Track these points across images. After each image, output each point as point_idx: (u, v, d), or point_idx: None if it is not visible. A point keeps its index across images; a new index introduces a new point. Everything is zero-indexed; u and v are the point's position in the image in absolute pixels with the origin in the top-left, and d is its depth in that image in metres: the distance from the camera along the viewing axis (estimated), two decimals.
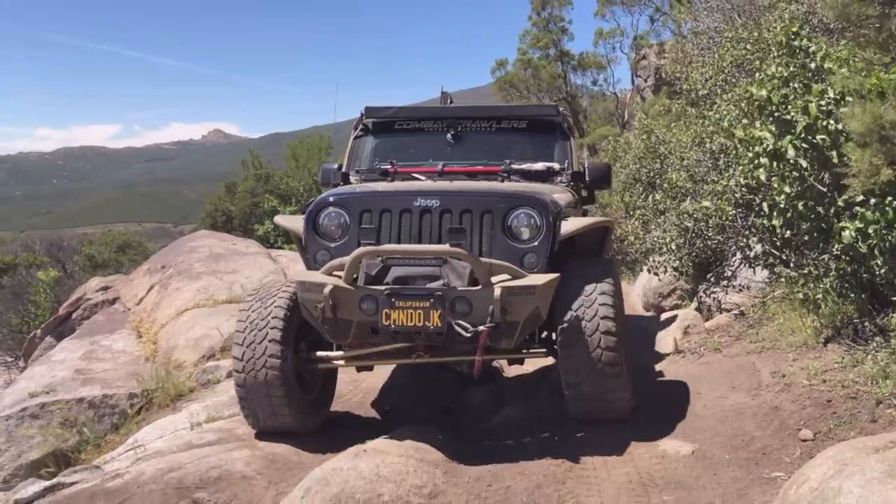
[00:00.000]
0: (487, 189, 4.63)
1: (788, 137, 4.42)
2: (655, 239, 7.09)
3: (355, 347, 4.66)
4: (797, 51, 4.60)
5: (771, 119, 4.52)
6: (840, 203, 4.49)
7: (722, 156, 6.41)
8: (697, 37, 8.73)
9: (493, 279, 4.10)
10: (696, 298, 7.20)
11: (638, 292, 10.43)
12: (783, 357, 5.03)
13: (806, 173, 4.59)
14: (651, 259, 7.27)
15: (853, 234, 4.22)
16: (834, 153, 4.35)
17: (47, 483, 4.46)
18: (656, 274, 7.31)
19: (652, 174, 7.70)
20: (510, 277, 4.13)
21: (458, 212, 4.36)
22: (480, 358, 4.15)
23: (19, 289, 14.99)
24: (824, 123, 4.19)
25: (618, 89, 20.58)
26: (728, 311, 6.54)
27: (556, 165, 5.54)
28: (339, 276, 4.25)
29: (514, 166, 5.40)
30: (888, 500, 2.61)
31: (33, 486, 4.43)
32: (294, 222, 5.01)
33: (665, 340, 6.20)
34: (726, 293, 6.81)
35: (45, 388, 7.68)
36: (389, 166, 5.53)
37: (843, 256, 4.69)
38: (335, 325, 4.25)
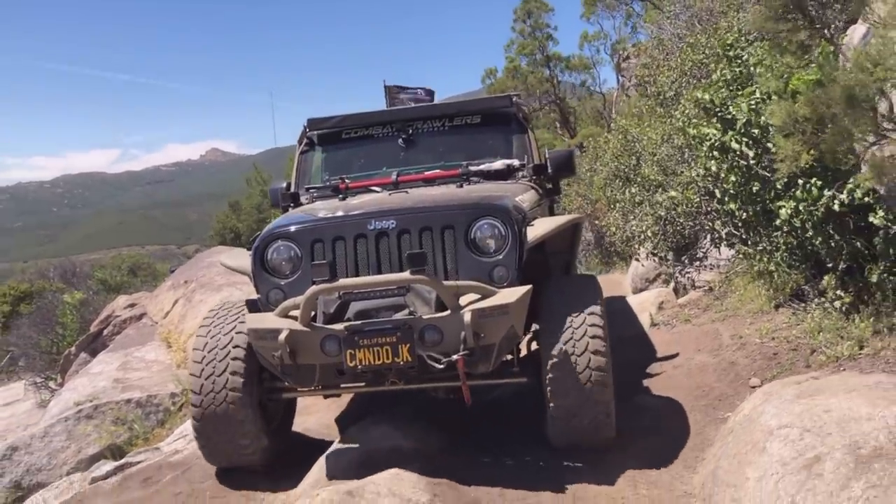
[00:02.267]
0: (445, 201, 4.21)
1: (730, 133, 5.20)
2: (633, 228, 7.86)
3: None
4: (732, 59, 5.38)
5: (716, 118, 5.30)
6: (778, 186, 5.25)
7: (686, 150, 7.17)
8: (662, 43, 9.54)
9: (463, 300, 3.83)
10: (672, 278, 7.98)
11: (628, 279, 11.22)
12: (742, 322, 5.81)
13: (750, 162, 5.35)
14: (631, 246, 8.05)
15: (788, 211, 4.99)
16: (770, 144, 5.12)
17: (118, 462, 5.23)
18: (638, 261, 8.07)
19: (628, 170, 8.48)
20: (480, 297, 3.84)
21: (417, 231, 4.01)
22: (467, 386, 3.82)
23: (47, 312, 15.77)
24: (757, 119, 4.96)
25: (604, 89, 21.52)
26: (699, 287, 7.32)
27: (516, 161, 5.25)
28: (296, 317, 3.89)
29: (472, 167, 5.10)
30: (792, 412, 3.36)
31: (106, 466, 5.20)
32: (240, 260, 4.59)
33: (642, 315, 6.97)
34: (699, 272, 7.57)
35: (88, 397, 8.46)
36: (340, 182, 5.21)
37: (788, 232, 5.45)
38: (297, 372, 3.93)
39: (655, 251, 7.80)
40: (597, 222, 12.38)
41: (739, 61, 5.36)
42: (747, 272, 6.33)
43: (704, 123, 5.42)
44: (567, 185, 16.49)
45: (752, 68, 5.25)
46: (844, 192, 4.70)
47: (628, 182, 8.20)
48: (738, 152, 5.36)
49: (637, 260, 9.05)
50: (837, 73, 3.90)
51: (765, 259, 5.94)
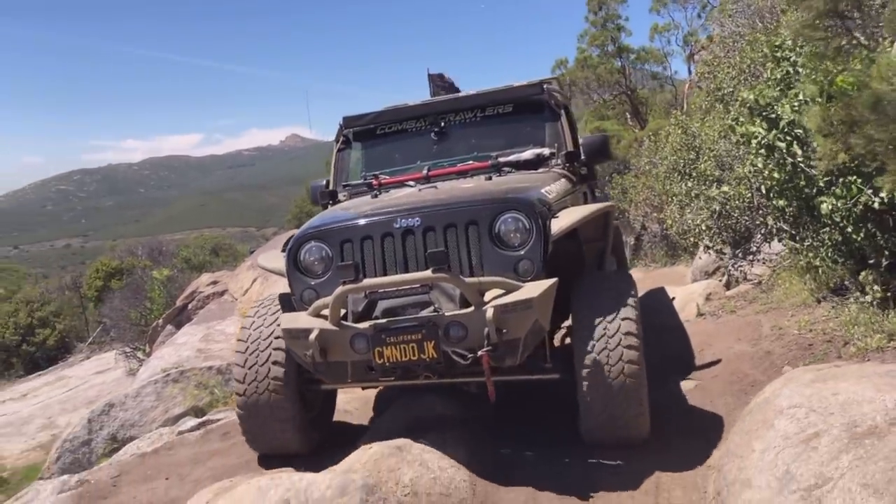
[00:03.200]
0: (469, 197, 4.24)
1: (774, 132, 5.44)
2: (689, 221, 8.09)
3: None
4: (780, 60, 5.58)
5: (761, 117, 5.53)
6: (821, 183, 5.46)
7: (742, 146, 7.36)
8: (723, 40, 9.63)
9: (488, 296, 3.89)
10: (725, 271, 8.19)
11: (690, 272, 11.40)
12: (783, 314, 6.03)
13: (796, 159, 5.58)
14: (686, 239, 8.28)
15: (829, 207, 5.21)
16: (813, 142, 5.33)
17: (200, 419, 5.87)
18: (697, 254, 8.29)
19: (686, 164, 8.68)
20: (504, 292, 3.88)
21: (442, 228, 4.05)
22: (491, 381, 3.86)
23: (136, 287, 16.89)
24: (800, 119, 5.19)
25: (676, 80, 21.36)
26: (749, 280, 7.52)
27: (546, 150, 5.24)
28: (326, 317, 4.04)
29: (502, 159, 5.16)
30: (803, 394, 3.66)
31: (190, 422, 5.85)
32: (276, 262, 4.66)
33: (690, 306, 7.23)
34: (751, 266, 7.76)
35: (174, 364, 9.25)
36: (374, 180, 5.34)
37: (832, 228, 5.65)
38: (328, 369, 4.11)
39: (711, 244, 8.02)
40: (658, 215, 12.55)
41: (787, 62, 5.57)
42: (794, 266, 6.52)
43: (752, 122, 5.65)
44: (635, 178, 16.63)
45: (799, 69, 5.46)
46: (884, 191, 4.90)
47: (686, 176, 8.41)
48: (783, 150, 5.60)
49: (698, 253, 9.27)
50: (868, 80, 4.13)
51: (810, 254, 6.14)
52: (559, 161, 5.24)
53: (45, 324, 25.62)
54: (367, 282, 3.95)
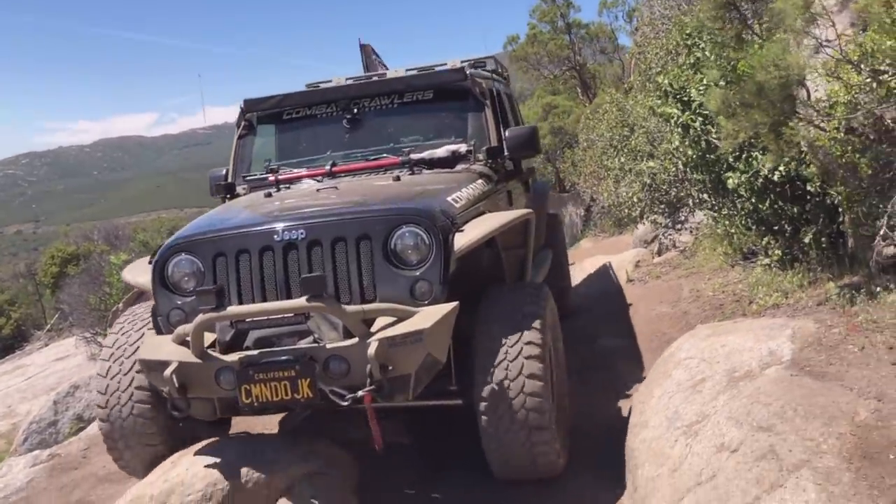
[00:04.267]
0: (362, 207, 3.81)
1: (687, 113, 5.95)
2: (623, 194, 8.63)
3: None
4: (692, 46, 6.09)
5: (675, 99, 6.04)
6: (730, 159, 6.00)
7: (665, 124, 7.89)
8: (653, 21, 10.16)
9: (376, 325, 3.42)
10: (656, 240, 8.77)
11: (629, 240, 12.02)
12: (702, 278, 6.60)
13: (708, 137, 6.10)
14: (621, 211, 8.83)
15: (735, 181, 5.74)
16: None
17: None
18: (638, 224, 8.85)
19: (621, 140, 9.22)
20: (395, 320, 3.42)
21: (329, 242, 3.56)
22: (376, 426, 3.39)
23: (95, 273, 16.99)
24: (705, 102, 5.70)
25: (623, 55, 21.85)
26: (677, 248, 8.11)
27: (463, 147, 4.77)
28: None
29: (415, 155, 4.71)
30: (698, 346, 4.19)
31: None
32: (142, 275, 4.01)
33: (620, 273, 7.78)
34: (679, 234, 8.35)
35: None
36: (272, 174, 4.89)
37: (739, 199, 6.21)
38: (191, 406, 3.54)
39: (642, 215, 8.57)
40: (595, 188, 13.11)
41: (697, 48, 6.07)
42: (713, 234, 7.09)
43: (667, 104, 6.15)
44: (583, 151, 17.19)
45: (708, 55, 5.97)
46: (781, 165, 5.45)
47: (620, 151, 8.93)
48: (697, 129, 6.12)
49: (638, 223, 9.83)
50: (753, 70, 4.64)
51: (726, 222, 6.70)
52: (481, 157, 4.80)
53: (1, 313, 25.47)
54: (230, 310, 3.38)
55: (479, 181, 4.58)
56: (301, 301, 3.32)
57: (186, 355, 3.45)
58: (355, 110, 5.09)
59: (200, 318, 3.37)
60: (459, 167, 4.73)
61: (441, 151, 4.76)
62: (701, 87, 5.68)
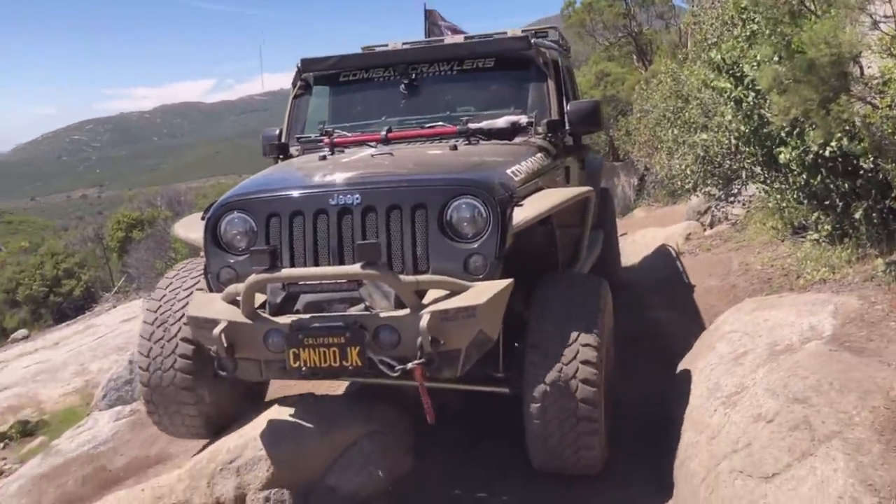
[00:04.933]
0: (419, 175, 3.74)
1: (739, 87, 5.99)
2: (676, 166, 8.67)
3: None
4: (746, 21, 6.09)
5: (727, 74, 6.08)
6: (783, 134, 6.04)
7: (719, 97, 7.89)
8: None
9: (427, 297, 3.34)
10: (709, 212, 8.81)
11: (683, 210, 12.02)
12: (751, 252, 6.67)
13: (760, 111, 6.14)
14: (673, 183, 8.88)
15: (787, 156, 5.79)
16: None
17: None
18: (678, 196, 8.89)
19: (676, 112, 9.21)
20: (447, 294, 3.33)
21: (384, 209, 3.47)
22: (427, 400, 3.41)
23: (160, 238, 17.69)
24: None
25: (680, 22, 21.41)
26: (729, 221, 8.15)
27: (523, 118, 4.58)
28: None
29: (473, 125, 4.51)
30: (741, 320, 4.33)
31: None
32: (195, 231, 3.92)
33: (670, 245, 7.87)
34: (732, 207, 8.37)
35: None
36: (327, 137, 4.71)
37: (791, 174, 6.25)
38: (237, 367, 3.49)
39: (695, 188, 8.61)
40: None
41: (753, 22, 6.07)
42: (765, 208, 7.13)
43: (720, 78, 6.20)
44: (637, 120, 17.07)
45: (763, 29, 5.98)
46: (833, 141, 5.48)
47: (673, 123, 8.95)
48: (749, 103, 6.16)
49: (693, 194, 9.87)
50: (805, 47, 4.68)
51: (777, 196, 6.75)
52: (541, 130, 4.61)
53: (71, 275, 26.49)
54: (284, 272, 3.37)
55: (539, 155, 4.38)
56: (355, 268, 3.24)
57: (236, 315, 3.40)
58: (413, 76, 4.91)
59: (252, 278, 3.33)
60: (518, 139, 4.53)
61: (500, 122, 4.56)
62: (754, 63, 5.71)
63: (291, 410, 4.07)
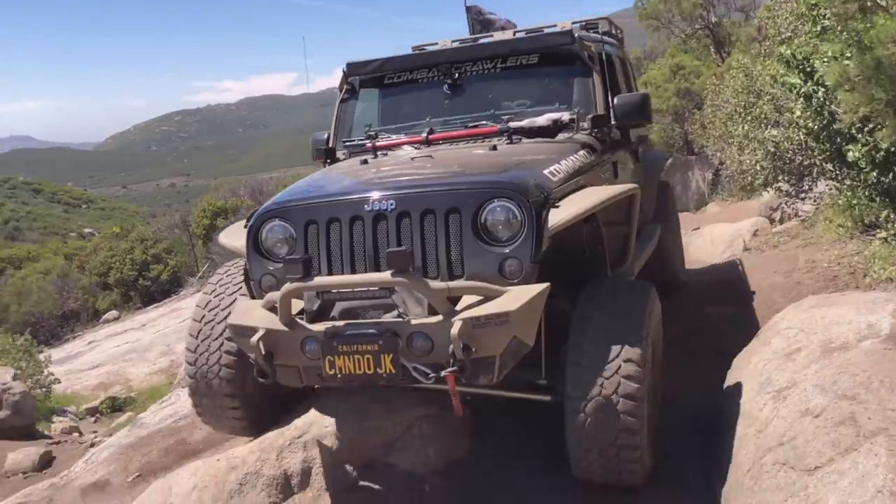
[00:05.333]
0: (453, 179, 3.69)
1: (809, 83, 5.93)
2: (746, 162, 8.56)
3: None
4: (816, 17, 6.01)
5: (797, 70, 6.02)
6: (853, 131, 5.95)
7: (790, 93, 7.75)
8: None
9: (462, 303, 3.30)
10: (779, 208, 8.67)
11: (756, 206, 11.84)
12: (819, 249, 6.59)
13: (830, 108, 6.06)
14: (744, 179, 8.76)
15: (856, 154, 5.72)
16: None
17: None
18: (750, 192, 8.79)
19: (747, 106, 9.06)
20: (481, 299, 3.28)
21: (419, 214, 3.43)
22: (457, 399, 3.37)
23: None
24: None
25: (756, 16, 20.80)
26: (798, 217, 8.02)
27: (566, 115, 4.50)
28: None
29: (514, 124, 4.48)
30: (799, 317, 4.34)
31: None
32: (238, 238, 3.97)
33: (737, 241, 7.82)
34: (803, 203, 8.23)
35: None
36: (370, 141, 4.79)
37: (861, 171, 6.15)
38: (277, 373, 3.55)
39: (766, 184, 8.49)
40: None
41: (824, 18, 6.00)
42: (835, 204, 7.01)
43: (790, 74, 6.14)
44: (712, 114, 16.78)
45: (835, 25, 5.90)
46: (883, 144, 5.39)
47: (744, 118, 8.82)
48: (820, 99, 6.09)
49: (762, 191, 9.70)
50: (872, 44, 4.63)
51: (848, 193, 6.64)
52: (586, 125, 4.52)
53: (159, 260, 27.63)
54: (316, 281, 3.40)
55: (582, 152, 4.30)
56: (386, 275, 3.25)
57: (274, 322, 3.44)
58: (456, 75, 4.89)
59: (287, 286, 3.37)
60: (561, 136, 4.47)
61: (542, 120, 4.50)
62: (825, 59, 5.65)
63: (351, 393, 4.31)
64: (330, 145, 5.14)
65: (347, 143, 5.04)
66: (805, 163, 8.06)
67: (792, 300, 5.79)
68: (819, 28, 6.18)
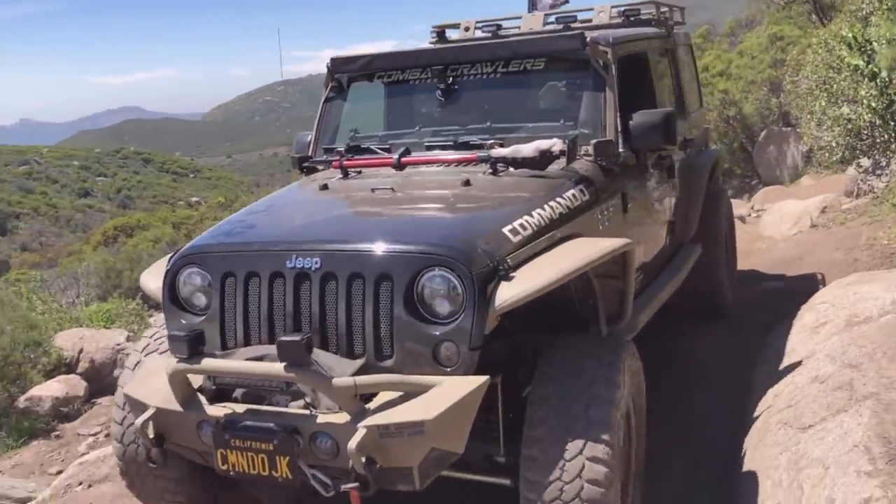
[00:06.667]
0: (391, 234, 3.04)
1: (870, 65, 6.04)
2: (824, 138, 8.59)
3: None
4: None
5: (859, 51, 6.12)
6: None
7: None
8: None
9: (378, 399, 2.72)
10: (855, 185, 8.66)
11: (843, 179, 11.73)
12: (883, 227, 6.68)
13: (894, 89, 6.15)
14: (822, 155, 8.79)
15: None
16: None
17: None
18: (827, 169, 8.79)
19: (827, 82, 9.01)
20: (400, 395, 2.70)
21: (346, 277, 2.86)
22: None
23: None
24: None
25: None
26: (870, 194, 8.03)
27: (557, 146, 3.64)
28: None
29: (495, 152, 3.70)
30: (833, 293, 4.61)
31: None
32: (156, 281, 3.38)
33: (804, 218, 7.90)
34: (879, 180, 8.21)
35: None
36: (337, 158, 4.09)
37: None
38: (165, 460, 3.03)
39: (843, 160, 8.51)
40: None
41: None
42: None
43: (853, 55, 6.25)
44: (791, 84, 16.34)
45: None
46: None
47: (822, 94, 8.82)
48: (883, 79, 6.18)
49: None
50: None
51: None
52: (591, 152, 3.79)
53: None
54: (204, 365, 2.88)
55: (573, 191, 3.54)
56: (278, 368, 2.70)
57: (169, 400, 2.92)
58: (450, 79, 4.20)
59: (174, 367, 2.89)
60: (554, 168, 3.68)
61: (528, 149, 3.66)
62: (882, 41, 5.76)
63: None
64: (309, 152, 4.49)
65: (329, 151, 4.37)
66: (882, 139, 8.07)
67: (847, 276, 6.00)
68: (885, 6, 6.26)
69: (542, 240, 3.15)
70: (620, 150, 3.86)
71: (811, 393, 3.52)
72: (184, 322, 3.19)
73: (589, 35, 3.98)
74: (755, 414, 3.93)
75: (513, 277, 2.81)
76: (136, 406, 3.03)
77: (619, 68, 4.02)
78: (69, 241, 38.76)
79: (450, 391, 2.65)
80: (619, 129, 3.88)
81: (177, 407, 2.92)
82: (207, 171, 76.51)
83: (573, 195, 3.53)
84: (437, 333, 2.77)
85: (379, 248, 2.91)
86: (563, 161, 3.67)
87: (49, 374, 6.52)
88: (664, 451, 4.04)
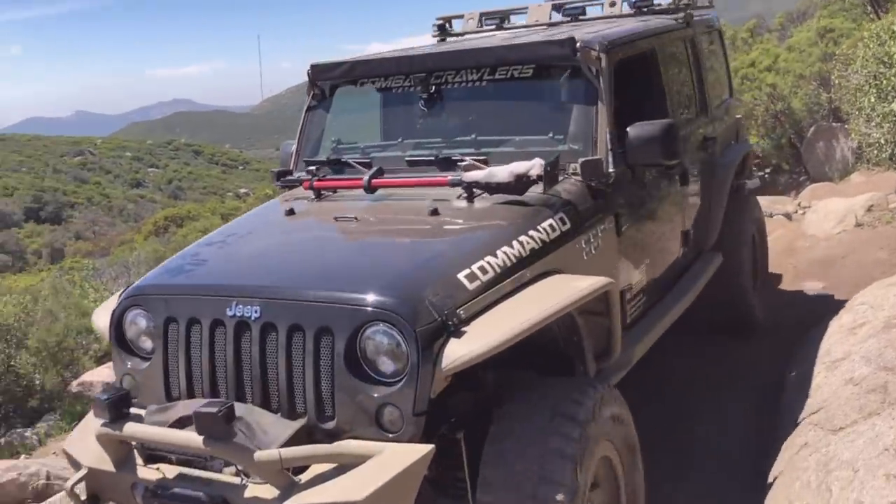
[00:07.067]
0: (334, 280, 2.84)
1: None
2: (873, 135, 8.42)
3: None
4: None
5: None
6: None
7: None
8: None
9: (311, 472, 2.52)
10: None
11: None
12: None
13: None
14: (871, 151, 8.61)
15: None
16: None
17: None
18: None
19: (878, 77, 8.81)
20: (333, 468, 2.49)
21: (286, 329, 2.65)
22: None
23: None
24: None
25: None
26: None
27: (534, 169, 3.27)
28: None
29: (468, 176, 3.37)
30: (874, 294, 4.55)
31: None
32: (104, 320, 3.21)
33: (849, 217, 7.75)
34: None
35: None
36: (306, 176, 3.91)
37: None
38: None
39: (892, 157, 8.33)
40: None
41: None
42: None
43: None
44: (840, 78, 15.94)
45: None
46: None
47: (871, 89, 8.64)
48: None
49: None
50: None
51: None
52: (576, 174, 3.45)
53: None
54: (126, 430, 2.68)
55: (551, 220, 3.24)
56: (197, 440, 2.51)
57: (103, 459, 2.77)
58: (433, 87, 3.90)
59: (97, 431, 2.73)
60: (533, 193, 3.33)
61: (503, 174, 3.30)
62: None
63: None
64: (291, 165, 4.24)
65: (311, 163, 4.09)
66: None
67: (889, 276, 5.90)
68: None
69: (508, 282, 2.87)
70: (612, 169, 3.51)
71: (844, 395, 3.51)
72: (129, 365, 3.06)
73: (580, 40, 3.63)
74: (787, 414, 3.92)
75: (464, 333, 2.54)
76: (73, 464, 2.91)
77: (620, 71, 3.75)
78: (121, 230, 39.74)
79: (388, 463, 2.41)
80: (611, 144, 3.54)
81: (110, 467, 2.77)
82: (256, 163, 77.60)
83: (551, 225, 3.23)
84: (378, 396, 2.54)
85: (320, 296, 2.69)
86: (542, 186, 3.30)
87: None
88: (693, 451, 4.09)
